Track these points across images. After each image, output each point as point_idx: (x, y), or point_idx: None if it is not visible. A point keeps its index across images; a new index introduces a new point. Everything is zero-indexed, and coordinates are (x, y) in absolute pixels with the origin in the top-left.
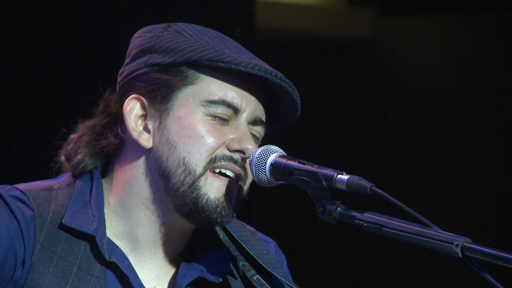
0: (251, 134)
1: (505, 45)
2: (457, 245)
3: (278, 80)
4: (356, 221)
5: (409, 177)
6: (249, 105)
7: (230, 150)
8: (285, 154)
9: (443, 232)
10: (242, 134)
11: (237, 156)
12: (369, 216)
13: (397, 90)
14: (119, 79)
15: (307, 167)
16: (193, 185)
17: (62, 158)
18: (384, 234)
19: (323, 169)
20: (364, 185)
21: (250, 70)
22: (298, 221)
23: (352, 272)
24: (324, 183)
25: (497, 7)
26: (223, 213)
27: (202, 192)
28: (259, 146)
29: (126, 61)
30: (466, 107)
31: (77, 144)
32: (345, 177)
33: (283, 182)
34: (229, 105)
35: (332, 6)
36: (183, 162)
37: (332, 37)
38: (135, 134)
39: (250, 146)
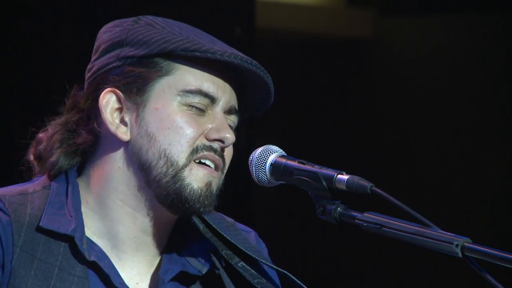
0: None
1: (505, 45)
2: (457, 245)
3: (254, 68)
4: (356, 221)
5: (409, 177)
6: (224, 94)
7: (208, 140)
8: (285, 154)
9: (443, 232)
10: (220, 123)
11: (216, 145)
12: (369, 216)
13: (397, 90)
14: (87, 74)
15: (307, 167)
16: (176, 176)
17: (31, 157)
18: (384, 234)
19: (323, 169)
20: (364, 185)
21: (226, 58)
22: (298, 221)
23: (352, 272)
24: (324, 183)
25: (497, 7)
26: (206, 202)
27: (186, 182)
28: (255, 145)
29: (94, 57)
30: (466, 106)
31: (49, 144)
32: (345, 177)
33: (283, 182)
34: (205, 95)
35: (332, 6)
36: (165, 154)
37: (332, 37)
38: (112, 128)
39: (228, 135)
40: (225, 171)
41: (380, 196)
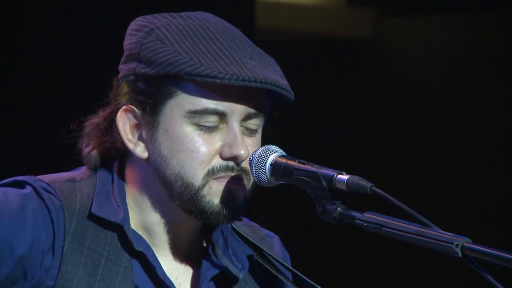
0: (248, 128)
1: (505, 45)
2: (457, 245)
3: (259, 84)
4: (356, 221)
5: (409, 177)
6: (237, 105)
7: (223, 158)
8: (285, 154)
9: (443, 232)
10: (232, 139)
11: (231, 163)
12: (369, 216)
13: (397, 90)
14: (119, 75)
15: (307, 167)
16: (195, 196)
17: (83, 147)
18: (384, 234)
19: (323, 169)
20: (364, 185)
21: (226, 81)
22: (298, 221)
23: (352, 272)
24: (324, 183)
25: (497, 7)
26: (228, 216)
27: (206, 200)
28: (261, 142)
29: (122, 58)
30: (466, 107)
31: (89, 139)
32: (345, 177)
33: (283, 182)
34: (213, 112)
35: (332, 6)
36: (180, 176)
37: (332, 37)
38: (131, 146)
39: (242, 152)
40: (250, 179)
41: (380, 196)
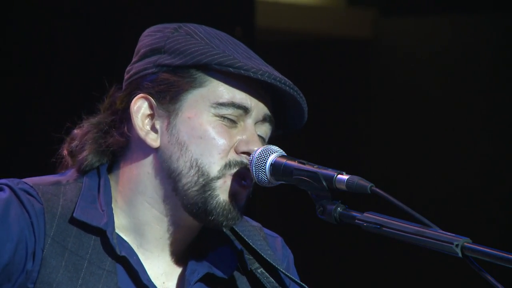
0: (258, 135)
1: (505, 45)
2: (457, 245)
3: (287, 88)
4: (356, 221)
5: (409, 177)
6: (257, 105)
7: (237, 153)
8: (285, 154)
9: (443, 232)
10: (250, 135)
11: (244, 159)
12: (369, 216)
13: (397, 90)
14: (126, 76)
15: (307, 167)
16: (207, 186)
17: (65, 153)
18: (384, 234)
19: (323, 169)
20: (364, 185)
21: (259, 76)
22: (298, 221)
23: (352, 272)
24: (324, 183)
25: (497, 7)
26: (229, 216)
27: (215, 193)
28: None
29: (134, 59)
30: (466, 106)
31: (82, 141)
32: (345, 177)
33: (283, 182)
34: (238, 106)
35: (332, 6)
36: (196, 164)
37: (332, 37)
38: (142, 133)
39: (256, 148)
40: (252, 182)
41: (380, 196)
